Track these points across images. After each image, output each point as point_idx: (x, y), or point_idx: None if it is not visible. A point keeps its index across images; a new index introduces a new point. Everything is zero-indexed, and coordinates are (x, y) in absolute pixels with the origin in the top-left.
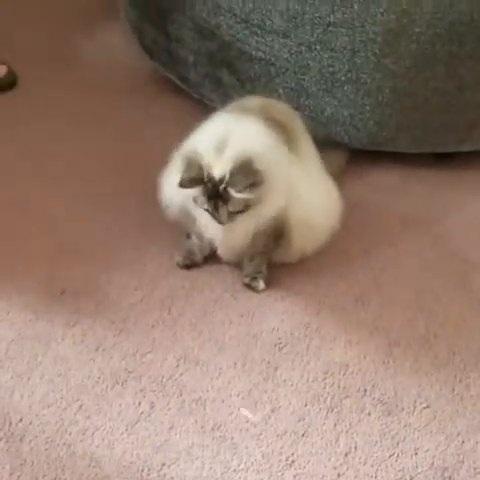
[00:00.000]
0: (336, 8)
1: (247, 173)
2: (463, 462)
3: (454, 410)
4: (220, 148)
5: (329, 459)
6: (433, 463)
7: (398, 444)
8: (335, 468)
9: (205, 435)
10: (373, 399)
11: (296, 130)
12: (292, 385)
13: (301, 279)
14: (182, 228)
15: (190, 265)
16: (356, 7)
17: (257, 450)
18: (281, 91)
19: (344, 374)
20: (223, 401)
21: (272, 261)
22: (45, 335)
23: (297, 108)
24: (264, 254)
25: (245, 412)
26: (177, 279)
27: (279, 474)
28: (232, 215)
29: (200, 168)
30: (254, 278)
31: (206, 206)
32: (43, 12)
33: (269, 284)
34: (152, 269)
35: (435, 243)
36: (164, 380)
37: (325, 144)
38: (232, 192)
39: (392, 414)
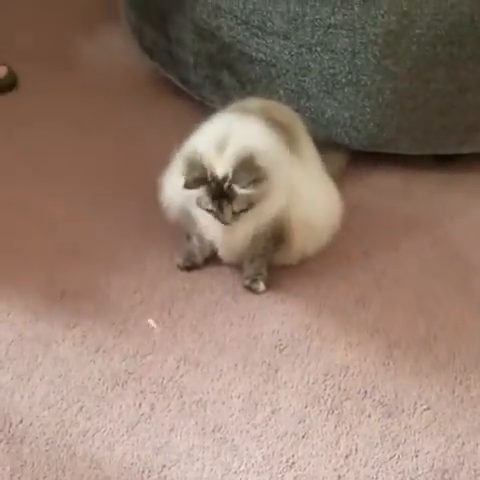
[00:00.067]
0: (336, 10)
1: (250, 169)
2: (463, 464)
3: (454, 412)
4: (221, 147)
5: (329, 461)
6: (433, 465)
7: (398, 446)
8: (335, 470)
9: (205, 437)
10: (373, 401)
11: (297, 132)
12: (292, 387)
13: (301, 281)
14: (182, 230)
15: (190, 267)
16: (357, 9)
17: (257, 452)
18: (282, 93)
19: (344, 376)
20: (223, 403)
21: (272, 263)
22: (45, 336)
23: (297, 110)
24: (264, 256)
25: (151, 323)
26: (177, 281)
27: (279, 476)
28: (236, 214)
29: (203, 168)
30: (254, 280)
31: (210, 206)
32: (43, 13)
33: (269, 286)
34: (152, 271)
35: (436, 245)
36: (164, 382)
37: (325, 146)
38: (237, 189)
39: (392, 416)
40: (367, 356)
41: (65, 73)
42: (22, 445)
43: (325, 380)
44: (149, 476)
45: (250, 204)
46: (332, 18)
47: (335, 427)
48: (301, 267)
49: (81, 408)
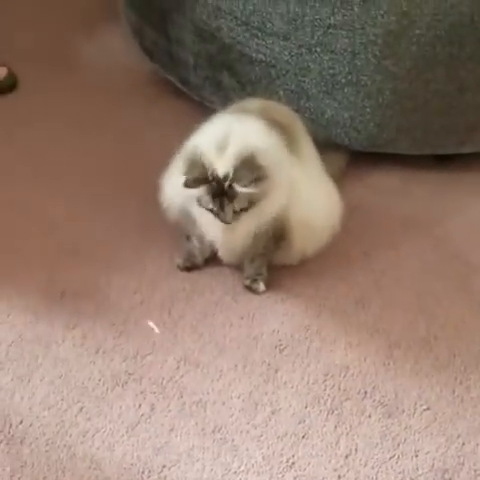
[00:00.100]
0: (336, 10)
1: (251, 168)
2: (463, 464)
3: (454, 412)
4: (222, 146)
5: (329, 461)
6: (433, 465)
7: (398, 446)
8: (335, 470)
9: (205, 437)
10: (373, 401)
11: (297, 132)
12: (292, 387)
13: (301, 281)
14: (182, 230)
15: (190, 267)
16: (356, 9)
17: (257, 452)
18: (281, 93)
19: (344, 376)
20: (223, 403)
21: (272, 263)
22: (45, 337)
23: (297, 110)
24: (264, 256)
25: (151, 325)
26: (177, 281)
27: (280, 476)
28: (237, 213)
29: (203, 167)
30: (254, 280)
31: (211, 206)
32: (43, 14)
33: (269, 286)
34: (152, 271)
35: (436, 245)
36: (164, 382)
37: (325, 146)
38: (238, 187)
39: (392, 416)
40: (367, 356)
41: (65, 73)
42: (22, 446)
43: (325, 380)
44: (149, 476)
45: (251, 203)
46: (332, 18)
47: (335, 427)
48: (301, 267)
49: (81, 409)
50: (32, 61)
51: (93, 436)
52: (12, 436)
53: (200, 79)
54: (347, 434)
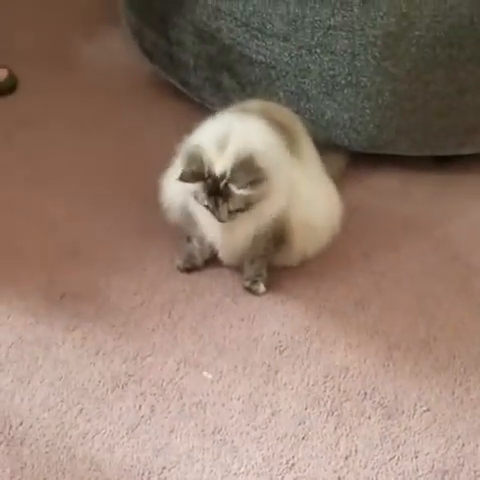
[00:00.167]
0: (336, 11)
1: (248, 170)
2: (463, 465)
3: (454, 413)
4: (222, 145)
5: (329, 462)
6: (433, 466)
7: (398, 447)
8: (335, 471)
9: (205, 438)
10: (373, 402)
11: (297, 133)
12: (292, 388)
13: (301, 283)
14: (183, 231)
15: (190, 269)
16: (356, 10)
17: (257, 453)
18: (281, 94)
19: (344, 377)
20: (223, 405)
21: (273, 264)
22: (45, 339)
23: (297, 111)
24: (265, 257)
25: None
26: (177, 283)
27: (279, 477)
28: (232, 213)
29: (201, 163)
30: (254, 281)
31: (206, 202)
32: (43, 15)
33: (269, 287)
34: (152, 273)
35: (436, 247)
36: (164, 383)
37: (325, 147)
38: (233, 188)
39: (392, 417)
40: (367, 358)
41: (65, 74)
42: (22, 447)
43: (325, 382)
44: (149, 478)
45: (247, 204)
46: (332, 20)
47: (335, 428)
48: (301, 269)
49: (81, 410)
50: (32, 62)
51: (93, 437)
52: (12, 437)
53: (200, 80)
54: (347, 435)
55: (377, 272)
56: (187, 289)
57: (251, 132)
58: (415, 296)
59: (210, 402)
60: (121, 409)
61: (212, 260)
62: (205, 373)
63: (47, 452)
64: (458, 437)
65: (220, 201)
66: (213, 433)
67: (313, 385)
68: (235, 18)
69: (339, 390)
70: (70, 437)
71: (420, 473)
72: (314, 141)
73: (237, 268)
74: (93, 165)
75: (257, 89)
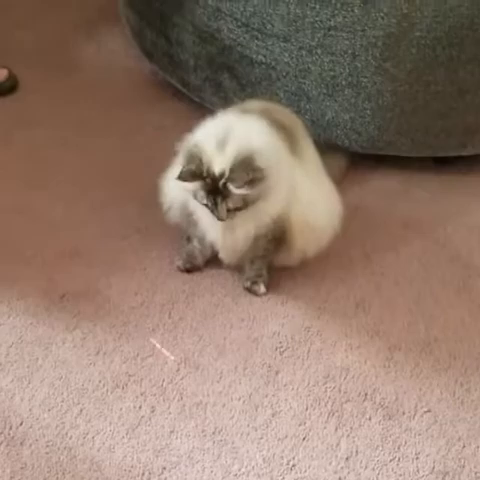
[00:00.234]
0: (337, 12)
1: (247, 169)
2: (464, 466)
3: (455, 414)
4: (222, 144)
5: (330, 463)
6: (434, 467)
7: (399, 448)
8: (336, 472)
9: (206, 439)
10: (374, 403)
11: (298, 133)
12: (293, 389)
13: (302, 283)
14: (183, 231)
15: (191, 269)
16: (357, 11)
17: (258, 454)
18: (282, 95)
19: (345, 378)
20: (224, 405)
21: (273, 265)
22: (45, 339)
23: (298, 112)
24: (265, 257)
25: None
26: (178, 283)
27: (280, 478)
28: (231, 211)
29: (200, 162)
30: (255, 282)
31: (205, 201)
32: (44, 15)
33: (270, 288)
34: (152, 273)
35: (436, 247)
36: (165, 384)
37: (326, 148)
38: (231, 188)
39: (393, 418)
40: (367, 358)
41: (65, 75)
42: (22, 447)
43: (325, 382)
44: (149, 478)
45: (246, 203)
46: (332, 20)
47: (335, 429)
48: (301, 269)
49: (81, 410)
50: (32, 63)
51: (93, 438)
52: (12, 438)
53: (200, 80)
54: (347, 436)
55: (377, 272)
56: (187, 289)
57: (251, 132)
58: (415, 296)
59: (210, 402)
60: (121, 409)
61: (212, 260)
62: (167, 353)
63: (47, 452)
64: (459, 438)
65: (219, 200)
66: (213, 434)
67: (313, 386)
68: (235, 18)
69: (340, 391)
70: (70, 437)
71: (421, 474)
72: (314, 142)
73: (237, 268)
74: (93, 165)
75: (257, 89)
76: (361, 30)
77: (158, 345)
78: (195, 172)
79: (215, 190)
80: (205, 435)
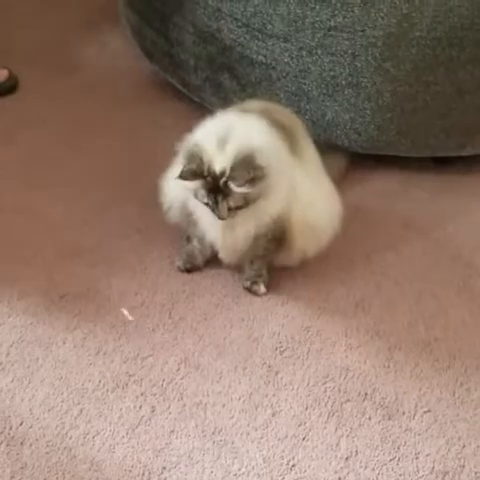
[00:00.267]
0: (337, 12)
1: (248, 168)
2: (464, 466)
3: (455, 414)
4: (222, 143)
5: (330, 463)
6: (434, 467)
7: (399, 448)
8: (336, 472)
9: (206, 439)
10: (374, 403)
11: (298, 133)
12: (293, 389)
13: (302, 283)
14: (183, 231)
15: (191, 269)
16: (357, 11)
17: (258, 454)
18: (282, 95)
19: (345, 378)
20: (224, 405)
21: (273, 265)
22: (46, 339)
23: (298, 112)
24: (265, 257)
25: (125, 312)
26: (178, 283)
27: (280, 478)
28: (232, 210)
29: (201, 161)
30: (255, 282)
31: (206, 200)
32: (44, 16)
33: (270, 288)
34: (153, 273)
35: (436, 247)
36: (165, 384)
37: (326, 148)
38: (232, 186)
39: (393, 418)
40: (367, 358)
41: (65, 75)
42: (22, 447)
43: (325, 382)
44: (149, 478)
45: (247, 202)
46: (332, 21)
47: (335, 429)
48: (302, 269)
49: (81, 410)
50: (32, 63)
51: (93, 438)
52: (12, 438)
53: (200, 80)
54: (347, 436)
55: (377, 272)
56: (187, 289)
57: (251, 131)
58: (415, 296)
59: (210, 402)
60: (121, 409)
61: (212, 260)
62: (125, 312)
63: (47, 452)
64: (459, 438)
65: (220, 198)
66: (213, 434)
67: (313, 386)
68: (236, 19)
69: (339, 391)
70: (70, 437)
71: (420, 474)
72: (314, 142)
73: (237, 268)
74: (93, 165)
75: (257, 89)
76: (361, 30)
77: (126, 312)
78: (196, 171)
79: (216, 189)
80: (205, 435)
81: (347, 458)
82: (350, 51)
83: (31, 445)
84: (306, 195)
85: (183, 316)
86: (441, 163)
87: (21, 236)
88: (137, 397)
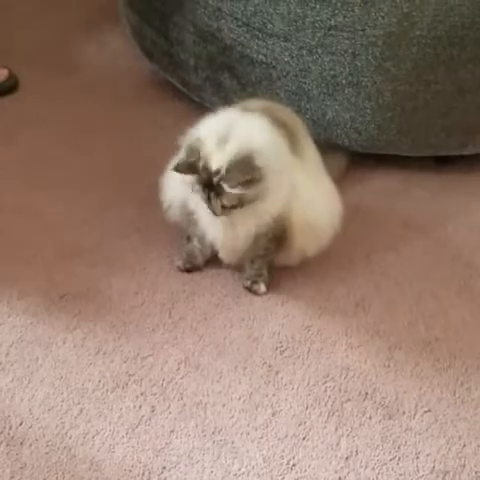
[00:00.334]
0: (337, 12)
1: (244, 169)
2: (464, 466)
3: (455, 414)
4: (223, 141)
5: (330, 463)
6: (434, 467)
7: (399, 448)
8: (336, 472)
9: (206, 439)
10: (374, 403)
11: (299, 132)
12: (293, 389)
13: (302, 283)
14: (183, 231)
15: (191, 268)
16: (357, 11)
17: (258, 454)
18: (282, 94)
19: (345, 378)
20: (224, 405)
21: (273, 264)
22: (46, 339)
23: (298, 111)
24: (265, 257)
25: None
26: (178, 283)
27: (280, 478)
28: (227, 209)
29: (198, 156)
30: (255, 281)
31: (201, 195)
32: (44, 15)
33: (270, 287)
34: (153, 273)
35: (436, 247)
36: (165, 384)
37: (326, 147)
38: (225, 186)
39: (393, 418)
40: (368, 358)
41: (65, 75)
42: (22, 447)
43: (325, 382)
44: (149, 478)
45: (241, 202)
46: (332, 20)
47: (336, 429)
48: (302, 269)
49: (81, 410)
50: (32, 63)
51: (93, 438)
52: (12, 437)
53: (200, 80)
54: (348, 436)
55: (378, 272)
56: (187, 289)
57: (253, 129)
58: (415, 296)
59: (210, 402)
60: (121, 409)
61: (212, 260)
62: None
63: (47, 452)
64: (459, 437)
65: (212, 195)
66: (213, 433)
67: (314, 385)
68: (236, 18)
69: (340, 390)
70: (70, 437)
71: (421, 474)
72: (315, 141)
73: (237, 268)
74: (93, 165)
75: (258, 89)
76: (361, 29)
77: None
78: (191, 165)
79: (210, 185)
80: (205, 435)
81: (347, 458)
82: (350, 50)
83: (31, 445)
84: (306, 194)
85: (183, 316)
86: (442, 162)
87: (21, 236)
88: (137, 397)
